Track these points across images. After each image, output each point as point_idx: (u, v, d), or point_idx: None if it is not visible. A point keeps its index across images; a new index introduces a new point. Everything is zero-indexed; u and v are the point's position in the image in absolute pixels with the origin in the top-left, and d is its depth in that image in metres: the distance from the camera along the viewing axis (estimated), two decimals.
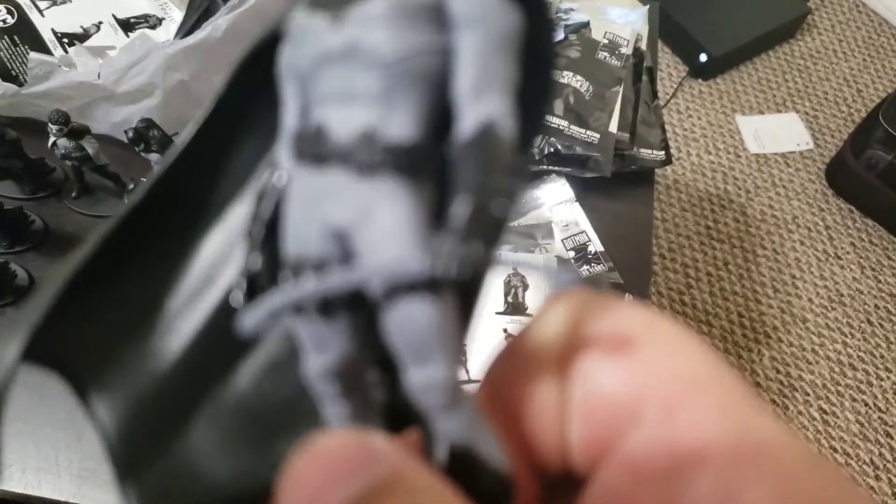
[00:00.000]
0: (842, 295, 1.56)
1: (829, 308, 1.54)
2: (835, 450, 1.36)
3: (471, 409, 0.11)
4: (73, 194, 0.68)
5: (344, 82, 0.11)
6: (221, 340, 0.14)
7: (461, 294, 0.11)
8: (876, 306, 1.55)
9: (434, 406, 0.11)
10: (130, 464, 0.14)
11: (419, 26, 0.11)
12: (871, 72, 1.97)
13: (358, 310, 0.11)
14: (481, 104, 0.11)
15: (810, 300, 1.55)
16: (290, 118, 0.13)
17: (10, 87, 0.65)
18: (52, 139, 0.60)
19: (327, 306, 0.11)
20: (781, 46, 2.00)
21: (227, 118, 0.14)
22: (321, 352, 0.12)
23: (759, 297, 1.55)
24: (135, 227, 0.13)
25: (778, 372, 1.45)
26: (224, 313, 0.14)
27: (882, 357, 1.48)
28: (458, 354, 0.11)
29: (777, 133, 1.82)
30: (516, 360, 0.13)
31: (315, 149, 0.12)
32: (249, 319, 0.12)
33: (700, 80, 1.91)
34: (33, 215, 0.66)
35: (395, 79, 0.11)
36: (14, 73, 0.71)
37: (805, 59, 1.98)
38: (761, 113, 1.86)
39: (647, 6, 0.83)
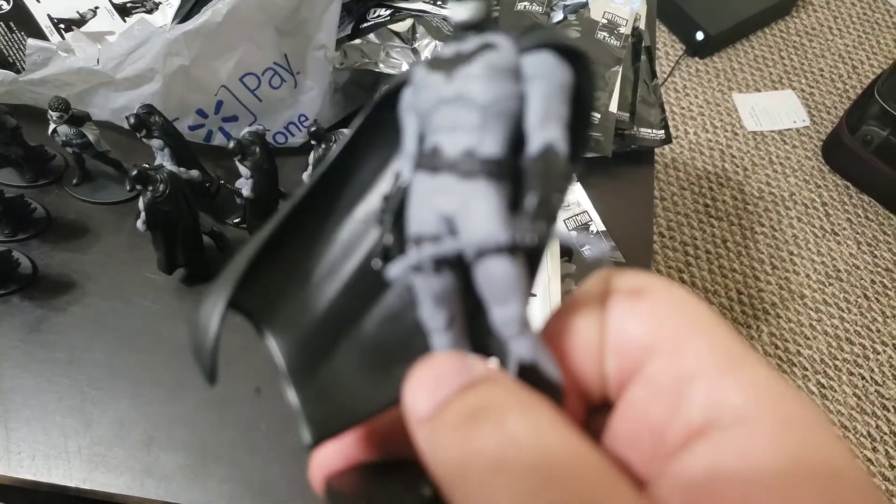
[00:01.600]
0: (839, 271, 1.57)
1: (827, 284, 1.55)
2: (833, 423, 1.38)
3: (536, 337, 0.16)
4: (75, 181, 0.68)
5: (453, 118, 0.16)
6: (356, 296, 0.20)
7: (530, 258, 0.16)
8: (872, 281, 1.56)
9: (510, 335, 0.16)
10: (295, 378, 0.19)
11: (503, 81, 0.16)
12: (866, 48, 1.97)
13: (458, 268, 0.16)
14: (544, 132, 0.16)
15: (808, 276, 1.56)
16: (409, 142, 0.18)
17: (8, 75, 0.64)
18: (52, 126, 0.60)
19: (439, 265, 0.16)
20: (777, 24, 1.99)
21: (361, 141, 0.20)
22: (430, 297, 0.17)
23: (757, 273, 1.56)
24: (296, 216, 0.19)
25: (776, 347, 1.46)
26: (358, 277, 0.20)
27: (878, 332, 1.50)
28: (527, 299, 0.16)
29: (774, 110, 1.82)
30: (566, 315, 0.18)
31: (431, 162, 0.17)
32: (394, 270, 0.17)
33: (697, 59, 1.90)
34: (35, 203, 0.66)
35: (488, 116, 0.16)
36: (11, 60, 0.70)
37: (800, 36, 1.98)
38: (758, 90, 1.86)
39: None
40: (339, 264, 0.20)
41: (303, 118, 0.70)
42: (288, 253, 0.20)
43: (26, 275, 0.63)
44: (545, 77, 0.16)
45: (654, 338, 0.16)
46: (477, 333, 0.17)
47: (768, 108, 1.82)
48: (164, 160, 0.61)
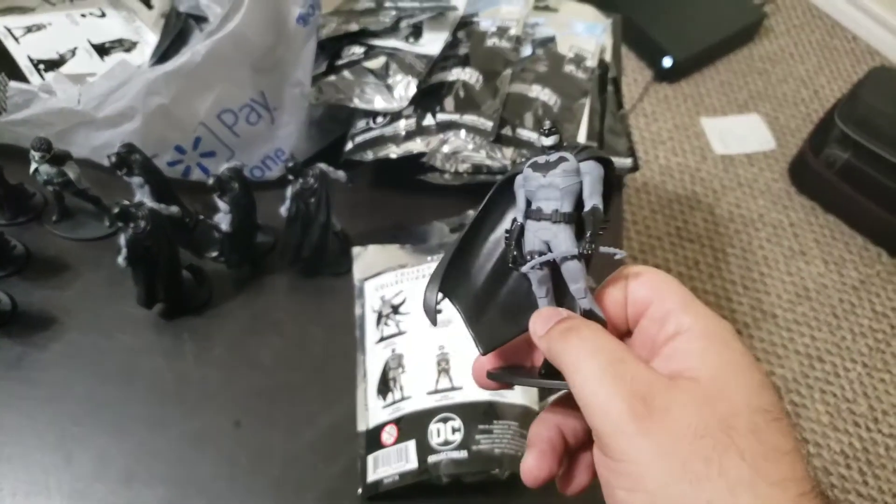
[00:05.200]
0: (808, 290, 1.61)
1: (797, 303, 1.59)
2: (807, 440, 1.41)
3: (592, 297, 0.31)
4: (54, 218, 0.69)
5: (547, 194, 0.31)
6: (496, 278, 0.35)
7: (586, 259, 0.30)
8: (840, 300, 1.61)
9: (579, 297, 0.31)
10: (470, 321, 0.34)
11: (572, 176, 0.31)
12: (827, 73, 2.04)
13: (551, 266, 0.32)
14: (591, 200, 0.30)
15: (779, 296, 1.60)
16: (521, 202, 0.33)
17: None
18: (33, 166, 0.61)
19: (543, 265, 0.31)
20: (741, 50, 2.06)
21: (493, 202, 0.35)
22: (538, 282, 0.32)
23: (730, 294, 1.59)
24: (464, 240, 0.35)
25: None
26: (496, 269, 0.35)
27: (848, 349, 1.54)
28: (587, 278, 0.30)
29: (741, 134, 1.87)
30: (606, 287, 0.33)
31: (537, 215, 0.32)
32: (524, 268, 0.32)
33: (665, 84, 1.96)
34: (14, 241, 0.67)
35: (564, 193, 0.31)
36: None
37: (764, 62, 2.05)
38: (725, 115, 1.92)
39: (611, 20, 0.86)
40: (486, 262, 0.35)
41: (279, 152, 0.71)
42: (461, 258, 0.35)
43: (6, 312, 0.64)
44: (590, 173, 0.31)
45: (649, 296, 0.31)
46: (560, 294, 0.32)
47: (735, 132, 1.88)
48: (144, 196, 0.62)
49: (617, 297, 0.32)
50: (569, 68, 0.77)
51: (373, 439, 0.58)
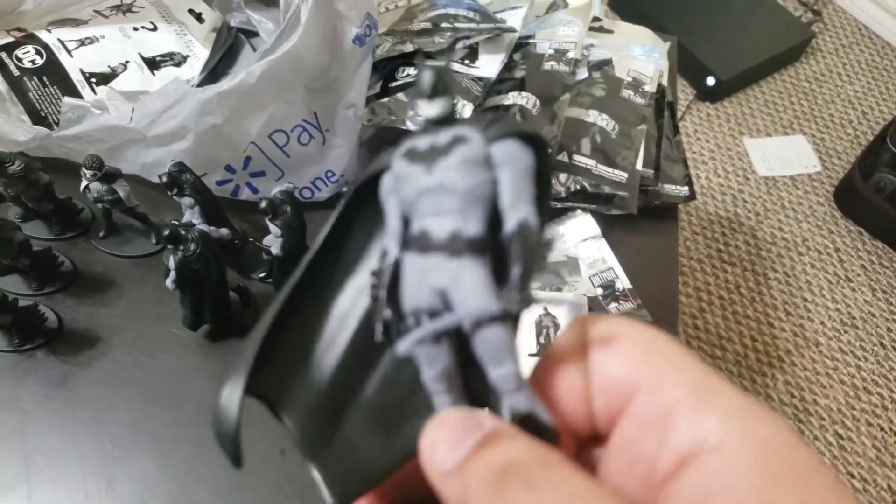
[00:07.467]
0: (854, 318, 1.56)
1: (842, 331, 1.54)
2: (852, 475, 1.36)
3: (530, 389, 0.18)
4: (101, 234, 0.68)
5: (437, 205, 0.18)
6: (355, 364, 0.21)
7: (515, 320, 0.18)
8: (888, 329, 1.55)
9: (507, 390, 0.18)
10: (312, 452, 0.21)
11: (477, 169, 0.18)
12: (876, 94, 1.98)
13: (455, 336, 0.18)
14: (517, 211, 0.18)
15: (822, 323, 1.55)
16: (392, 222, 0.20)
17: (42, 130, 0.65)
18: (84, 183, 0.61)
19: (439, 336, 0.18)
20: (787, 69, 2.01)
21: (345, 223, 0.22)
22: (432, 365, 0.18)
23: (771, 320, 1.55)
24: (292, 300, 0.21)
25: (792, 396, 1.44)
26: (354, 345, 0.21)
27: None
28: (518, 357, 0.18)
29: (785, 155, 1.83)
30: (551, 365, 0.20)
31: (421, 243, 0.19)
32: (402, 347, 0.19)
33: (708, 104, 1.92)
34: (62, 256, 0.66)
35: (467, 201, 0.18)
36: (43, 114, 0.71)
37: (810, 82, 2.00)
38: (769, 135, 1.87)
39: (668, 44, 0.83)
40: (336, 336, 0.21)
41: (330, 174, 0.70)
42: (290, 335, 0.21)
43: (52, 329, 0.63)
44: (512, 163, 0.18)
45: (633, 377, 0.19)
46: (470, 386, 0.19)
47: (779, 154, 1.83)
48: (193, 217, 0.61)
49: (573, 382, 0.20)
50: (626, 93, 0.74)
51: None
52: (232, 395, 0.19)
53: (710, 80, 1.87)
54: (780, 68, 2.00)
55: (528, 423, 0.18)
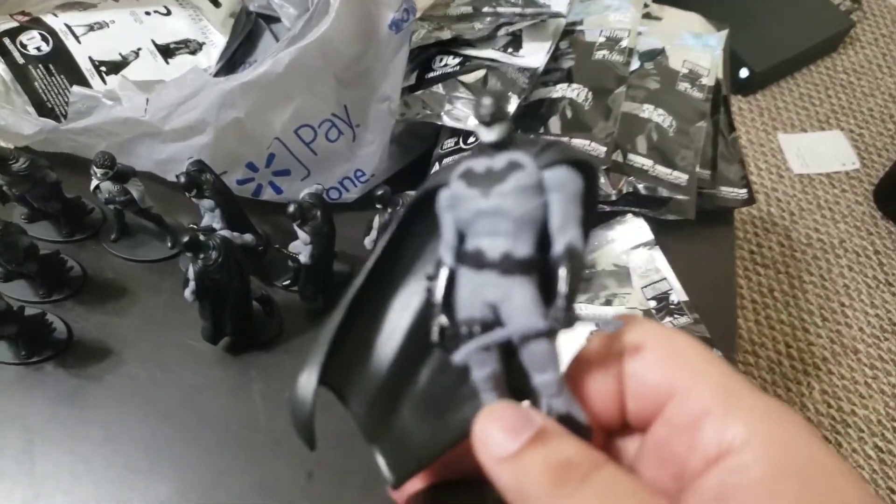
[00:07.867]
0: (894, 324, 1.49)
1: (882, 338, 1.47)
2: (892, 490, 1.29)
3: (568, 392, 0.20)
4: (113, 237, 0.63)
5: (491, 227, 0.20)
6: (409, 358, 0.23)
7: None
8: None
9: (549, 395, 0.20)
10: (373, 434, 0.23)
11: (529, 196, 0.20)
12: None
13: (503, 346, 0.20)
14: (565, 235, 0.19)
15: (861, 329, 1.48)
16: (448, 234, 0.21)
17: (49, 123, 0.60)
18: (94, 182, 0.55)
19: (489, 346, 0.20)
20: (824, 61, 1.93)
21: (404, 230, 0.23)
22: (482, 368, 0.20)
23: (806, 325, 1.48)
24: (359, 298, 0.23)
25: (829, 406, 1.38)
26: (410, 342, 0.23)
27: None
28: (560, 366, 0.20)
29: (821, 152, 1.76)
30: (585, 369, 0.22)
31: (476, 260, 0.20)
32: (459, 356, 0.20)
33: (739, 97, 1.85)
34: (71, 260, 0.61)
35: (519, 225, 0.20)
36: (50, 106, 0.66)
37: (848, 74, 1.92)
38: (804, 131, 1.80)
39: (724, 31, 0.77)
40: (393, 333, 0.23)
41: (359, 173, 0.65)
42: (354, 331, 0.23)
43: (61, 340, 0.58)
44: (562, 189, 0.20)
45: (666, 386, 0.21)
46: (513, 384, 0.21)
47: (815, 150, 1.76)
48: (213, 221, 0.56)
49: (606, 387, 0.22)
50: (683, 85, 0.68)
51: None
52: (307, 384, 0.21)
53: (744, 72, 1.79)
54: (816, 59, 1.92)
55: (566, 422, 0.20)
